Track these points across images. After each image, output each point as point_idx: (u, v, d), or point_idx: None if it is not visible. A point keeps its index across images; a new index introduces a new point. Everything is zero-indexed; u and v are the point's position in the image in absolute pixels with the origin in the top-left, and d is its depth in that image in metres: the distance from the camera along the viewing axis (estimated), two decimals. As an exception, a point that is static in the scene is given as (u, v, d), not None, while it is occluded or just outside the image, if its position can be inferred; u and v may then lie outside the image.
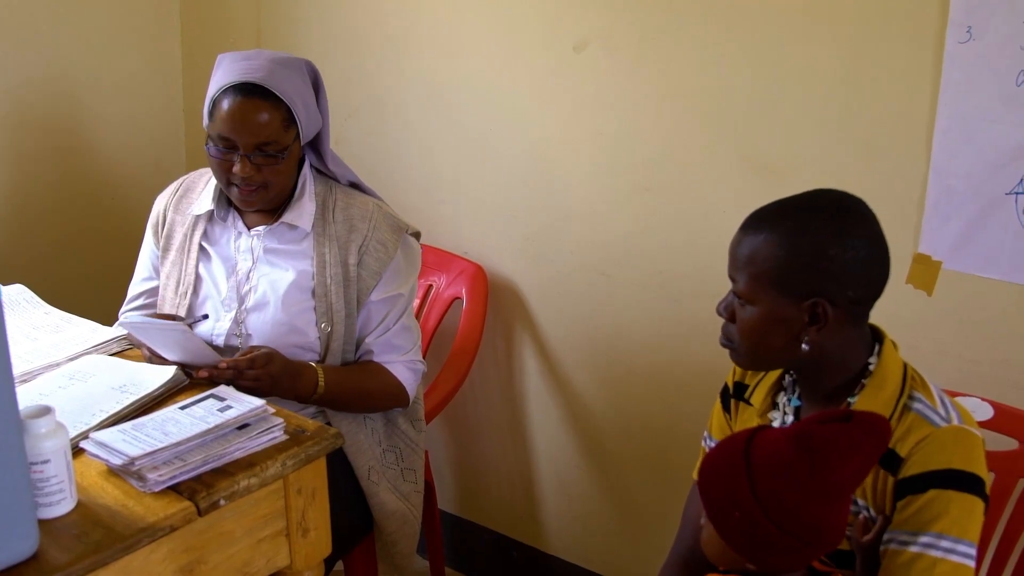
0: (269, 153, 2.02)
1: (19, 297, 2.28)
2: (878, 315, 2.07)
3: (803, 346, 1.52)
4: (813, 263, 1.48)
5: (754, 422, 1.68)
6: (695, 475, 1.80)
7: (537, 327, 2.69)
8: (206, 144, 2.05)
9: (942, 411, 1.52)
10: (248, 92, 1.99)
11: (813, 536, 1.40)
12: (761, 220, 1.54)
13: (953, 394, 1.92)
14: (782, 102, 2.15)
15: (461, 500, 3.01)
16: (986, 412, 1.89)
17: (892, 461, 1.51)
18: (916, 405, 1.52)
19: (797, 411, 1.64)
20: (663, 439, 2.51)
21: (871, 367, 1.56)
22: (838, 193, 1.55)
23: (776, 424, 1.65)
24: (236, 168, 2.01)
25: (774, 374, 1.68)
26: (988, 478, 1.50)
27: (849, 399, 1.56)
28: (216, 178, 2.10)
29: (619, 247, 2.47)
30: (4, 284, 2.33)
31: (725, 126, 2.24)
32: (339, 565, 2.28)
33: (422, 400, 2.35)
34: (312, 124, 2.10)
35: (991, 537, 1.88)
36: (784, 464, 1.37)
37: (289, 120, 2.03)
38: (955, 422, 1.51)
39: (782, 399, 1.67)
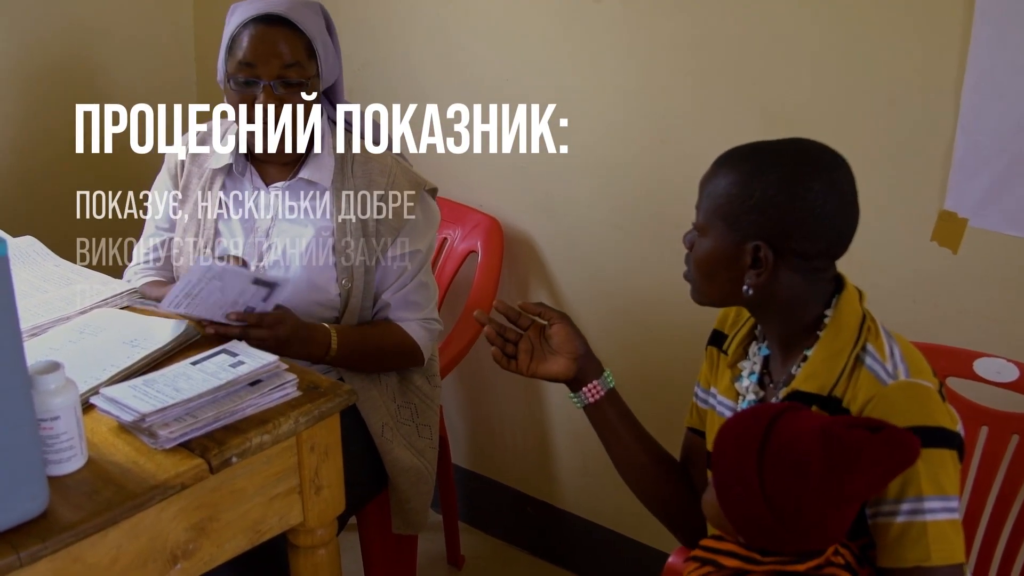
0: (292, 81, 2.00)
1: (29, 249, 2.26)
2: (903, 273, 2.06)
3: (745, 288, 1.51)
4: (760, 206, 1.47)
5: (726, 373, 1.67)
6: (686, 423, 1.81)
7: (552, 280, 2.66)
8: (227, 82, 2.02)
9: (889, 365, 1.48)
10: (272, 21, 1.99)
11: (806, 532, 1.38)
12: (728, 157, 1.54)
13: (977, 354, 1.90)
14: (804, 54, 2.10)
15: (475, 455, 3.00)
16: (1011, 373, 1.85)
17: None
18: (867, 359, 1.49)
19: (766, 360, 1.63)
20: (678, 394, 2.47)
21: (826, 319, 1.53)
22: (813, 144, 1.52)
23: (745, 373, 1.64)
24: (259, 99, 1.99)
25: (748, 326, 1.66)
26: (952, 422, 1.46)
27: (806, 351, 1.54)
28: (237, 120, 2.06)
29: (634, 200, 2.44)
30: (14, 236, 2.31)
31: (744, 79, 2.19)
32: (352, 520, 2.27)
33: (437, 356, 2.33)
34: (330, 67, 2.08)
35: (1014, 499, 1.86)
36: (801, 456, 1.34)
37: (310, 53, 2.02)
38: (902, 376, 1.47)
39: (753, 348, 1.65)
